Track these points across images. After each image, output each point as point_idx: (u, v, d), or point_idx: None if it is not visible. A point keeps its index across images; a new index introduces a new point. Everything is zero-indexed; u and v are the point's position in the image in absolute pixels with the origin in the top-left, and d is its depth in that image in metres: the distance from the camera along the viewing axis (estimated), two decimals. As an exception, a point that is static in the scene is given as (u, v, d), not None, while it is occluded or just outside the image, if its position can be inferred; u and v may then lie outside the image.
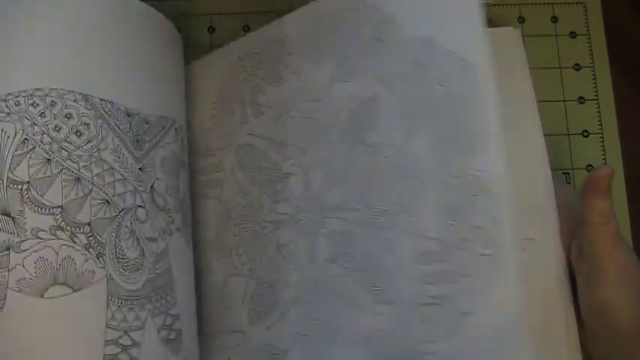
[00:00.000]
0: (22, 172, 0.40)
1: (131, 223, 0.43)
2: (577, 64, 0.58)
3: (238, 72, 0.52)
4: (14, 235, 0.39)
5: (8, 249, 0.39)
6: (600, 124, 0.56)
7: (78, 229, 0.40)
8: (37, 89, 0.42)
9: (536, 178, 0.50)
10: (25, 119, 0.41)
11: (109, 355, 0.40)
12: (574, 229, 0.47)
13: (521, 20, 0.59)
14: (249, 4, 0.60)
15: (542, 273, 0.48)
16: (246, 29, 0.59)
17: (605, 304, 0.43)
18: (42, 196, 0.40)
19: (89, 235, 0.41)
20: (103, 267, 0.41)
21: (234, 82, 0.52)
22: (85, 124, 0.42)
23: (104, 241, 0.41)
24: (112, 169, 0.43)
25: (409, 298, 0.42)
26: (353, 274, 0.44)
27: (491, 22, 0.58)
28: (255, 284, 0.48)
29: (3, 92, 0.42)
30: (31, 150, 0.41)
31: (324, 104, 0.47)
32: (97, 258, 0.41)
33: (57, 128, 0.42)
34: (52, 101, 0.42)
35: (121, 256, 0.42)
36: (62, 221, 0.40)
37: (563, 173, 0.55)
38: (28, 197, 0.40)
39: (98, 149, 0.43)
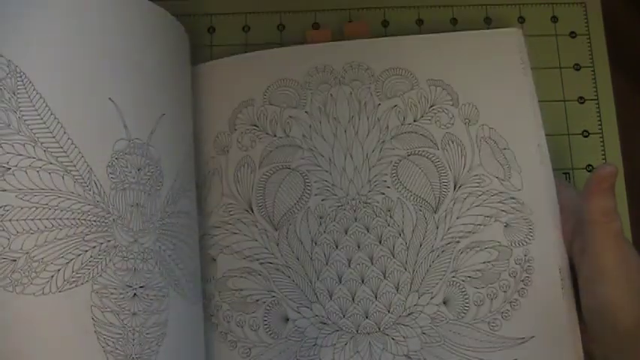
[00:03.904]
0: None
1: None
2: (577, 64, 0.58)
3: None
4: None
5: None
6: (600, 124, 0.56)
7: None
8: None
9: (539, 177, 0.50)
10: None
11: None
12: (575, 229, 0.47)
13: (521, 20, 0.59)
14: (249, 4, 0.60)
15: (551, 271, 0.48)
16: (247, 29, 0.59)
17: (607, 303, 0.43)
18: None
19: None
20: None
21: None
22: None
23: None
24: None
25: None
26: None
27: (491, 22, 0.59)
28: None
29: None
30: None
31: None
32: None
33: None
34: None
35: None
36: None
37: (563, 173, 0.55)
38: None
39: None
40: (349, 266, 0.49)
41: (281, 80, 0.54)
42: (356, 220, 0.50)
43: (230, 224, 0.51)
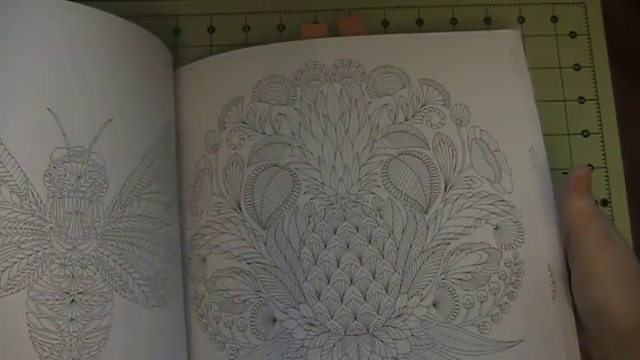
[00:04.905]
0: None
1: None
2: (577, 64, 0.57)
3: None
4: None
5: None
6: (600, 124, 0.56)
7: None
8: None
9: (530, 180, 0.49)
10: None
11: None
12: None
13: (521, 20, 0.59)
14: (249, 4, 0.60)
15: (541, 275, 0.47)
16: (246, 29, 0.59)
17: (600, 305, 0.43)
18: None
19: None
20: None
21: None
22: None
23: None
24: None
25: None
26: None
27: (491, 22, 0.58)
28: None
29: None
30: None
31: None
32: None
33: None
34: None
35: None
36: None
37: (563, 173, 0.55)
38: None
39: None
40: (338, 266, 0.49)
41: (271, 77, 0.53)
42: (345, 219, 0.50)
43: (219, 223, 0.51)
